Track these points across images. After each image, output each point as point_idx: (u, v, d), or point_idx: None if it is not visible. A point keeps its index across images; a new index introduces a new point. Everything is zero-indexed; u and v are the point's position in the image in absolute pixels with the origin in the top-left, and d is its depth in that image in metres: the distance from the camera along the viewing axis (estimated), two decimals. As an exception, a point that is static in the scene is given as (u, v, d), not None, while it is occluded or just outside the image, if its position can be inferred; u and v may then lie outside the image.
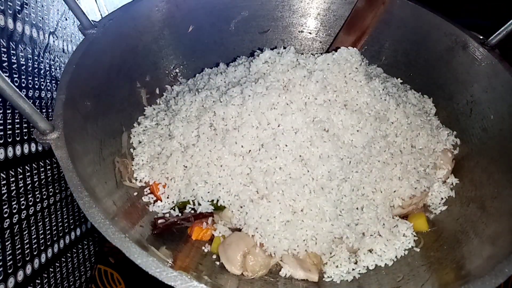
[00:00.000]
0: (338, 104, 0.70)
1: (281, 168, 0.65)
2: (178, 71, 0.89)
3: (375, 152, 0.69)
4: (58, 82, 0.57)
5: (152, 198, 0.70)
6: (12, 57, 0.61)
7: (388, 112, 0.73)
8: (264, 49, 0.79)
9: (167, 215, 0.68)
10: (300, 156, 0.66)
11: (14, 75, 0.62)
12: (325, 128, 0.67)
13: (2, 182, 0.59)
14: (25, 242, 0.65)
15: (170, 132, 0.73)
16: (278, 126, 0.67)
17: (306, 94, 0.69)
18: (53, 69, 0.74)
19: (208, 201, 0.67)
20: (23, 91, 0.65)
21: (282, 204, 0.63)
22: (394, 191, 0.69)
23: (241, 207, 0.65)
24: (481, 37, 0.76)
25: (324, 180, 0.64)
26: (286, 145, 0.66)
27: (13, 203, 0.62)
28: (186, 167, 0.70)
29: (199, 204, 0.67)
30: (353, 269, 0.65)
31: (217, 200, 0.66)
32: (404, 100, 0.79)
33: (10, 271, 0.60)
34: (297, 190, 0.63)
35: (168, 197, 0.70)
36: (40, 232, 0.69)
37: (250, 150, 0.67)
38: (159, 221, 0.66)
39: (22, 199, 0.64)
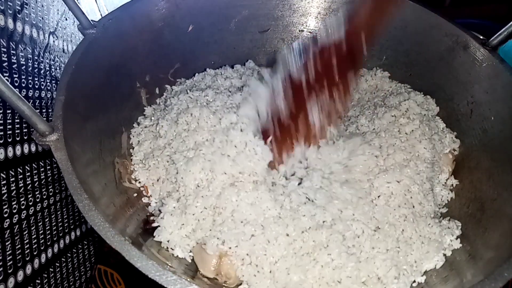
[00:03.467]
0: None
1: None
2: (178, 71, 0.89)
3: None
4: (58, 83, 0.57)
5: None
6: (12, 57, 0.61)
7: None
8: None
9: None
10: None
11: (14, 75, 0.62)
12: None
13: (2, 182, 0.59)
14: (25, 242, 0.65)
15: (157, 131, 0.74)
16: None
17: None
18: (53, 69, 0.74)
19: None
20: (23, 91, 0.64)
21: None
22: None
23: None
24: (482, 38, 0.76)
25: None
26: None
27: (13, 203, 0.62)
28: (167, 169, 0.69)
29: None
30: None
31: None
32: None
33: (10, 271, 0.60)
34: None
35: (157, 196, 0.69)
36: (40, 232, 0.69)
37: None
38: (151, 218, 0.66)
39: (22, 199, 0.64)
